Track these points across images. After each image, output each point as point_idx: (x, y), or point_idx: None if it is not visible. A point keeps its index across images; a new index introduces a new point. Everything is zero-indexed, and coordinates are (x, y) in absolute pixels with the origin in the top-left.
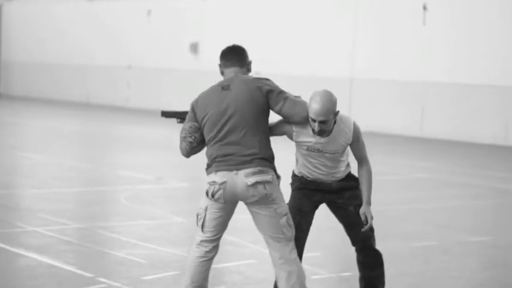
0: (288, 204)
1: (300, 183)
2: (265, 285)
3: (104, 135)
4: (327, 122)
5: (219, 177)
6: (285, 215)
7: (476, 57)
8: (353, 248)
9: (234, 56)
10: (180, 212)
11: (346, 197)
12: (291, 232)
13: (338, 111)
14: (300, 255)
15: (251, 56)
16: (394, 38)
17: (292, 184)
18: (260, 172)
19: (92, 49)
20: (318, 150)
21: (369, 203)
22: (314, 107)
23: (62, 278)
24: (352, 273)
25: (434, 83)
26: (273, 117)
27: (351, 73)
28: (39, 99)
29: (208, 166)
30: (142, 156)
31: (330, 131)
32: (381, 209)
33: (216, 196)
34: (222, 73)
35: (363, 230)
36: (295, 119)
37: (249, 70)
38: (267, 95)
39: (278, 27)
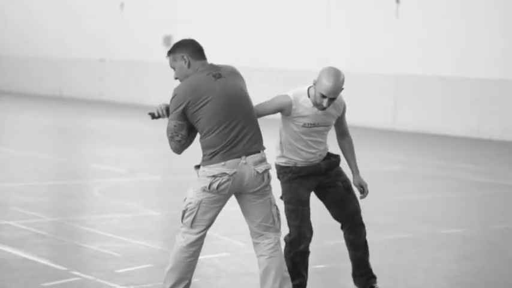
0: (283, 196)
1: (292, 174)
2: (238, 277)
3: (78, 128)
4: (335, 98)
5: (228, 168)
6: (275, 205)
7: (449, 50)
8: (326, 242)
9: (200, 49)
10: (153, 205)
11: (332, 175)
12: (279, 223)
13: (343, 88)
14: (309, 240)
15: (225, 49)
16: (367, 31)
17: (282, 177)
18: (264, 160)
19: (65, 42)
20: (314, 125)
21: (358, 173)
22: (326, 85)
23: (36, 271)
24: (327, 265)
25: (407, 75)
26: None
27: (324, 66)
28: (13, 92)
29: (212, 156)
30: (116, 150)
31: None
32: None
33: (222, 187)
34: (189, 65)
35: (362, 198)
36: None
37: None
38: None
39: (251, 21)
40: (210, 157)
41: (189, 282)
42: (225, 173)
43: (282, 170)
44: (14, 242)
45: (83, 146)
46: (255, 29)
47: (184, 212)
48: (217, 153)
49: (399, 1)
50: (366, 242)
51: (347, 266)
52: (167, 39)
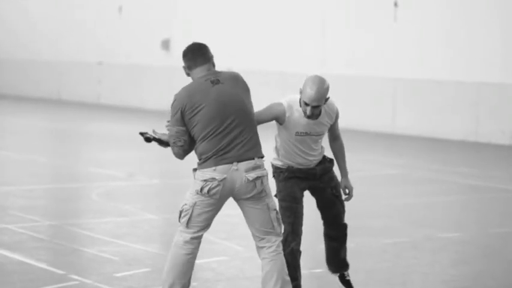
0: (278, 194)
1: (288, 173)
2: (237, 281)
3: (76, 131)
4: (319, 107)
5: (218, 173)
6: (274, 209)
7: (447, 53)
8: (323, 246)
9: (198, 55)
10: (151, 208)
11: (325, 181)
12: (279, 228)
13: (328, 97)
14: (300, 238)
15: (223, 52)
16: (365, 34)
17: (278, 176)
18: (258, 167)
19: (63, 45)
20: (307, 134)
21: (347, 175)
22: (309, 93)
23: (34, 275)
24: (324, 269)
25: (406, 79)
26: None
27: (321, 70)
28: (10, 95)
29: (205, 160)
30: (114, 153)
31: (319, 115)
32: (350, 205)
33: (213, 192)
34: (188, 74)
35: (346, 201)
36: None
37: (213, 64)
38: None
39: (249, 23)
40: (203, 161)
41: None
42: (214, 178)
43: (278, 170)
44: (11, 246)
45: (81, 149)
46: (253, 32)
47: (180, 212)
48: (210, 158)
49: (397, 5)
50: (345, 236)
51: None
52: (165, 43)
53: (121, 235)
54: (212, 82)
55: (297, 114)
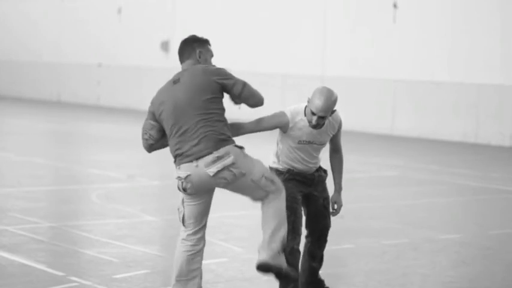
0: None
1: (289, 175)
2: (236, 283)
3: (75, 133)
4: (325, 117)
5: (182, 171)
6: (262, 176)
7: (447, 55)
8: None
9: (183, 50)
10: (151, 210)
11: (319, 190)
12: (274, 186)
13: (335, 110)
14: (300, 238)
15: (223, 54)
16: (365, 35)
17: (278, 177)
18: (219, 159)
19: (63, 46)
20: (309, 142)
21: (340, 190)
22: (317, 103)
23: (33, 277)
24: (324, 271)
25: (405, 80)
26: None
27: (322, 71)
28: (10, 97)
29: (174, 160)
30: (114, 155)
31: (323, 125)
32: (350, 207)
33: (187, 189)
34: None
35: (332, 216)
36: (250, 102)
37: (200, 58)
38: (223, 83)
39: (249, 25)
40: (174, 161)
41: None
42: (180, 177)
43: (277, 172)
44: (11, 247)
45: (80, 151)
46: (254, 33)
47: (178, 210)
48: (175, 157)
49: (397, 6)
50: (323, 255)
51: (346, 271)
52: (165, 44)
53: (121, 237)
54: (174, 82)
55: (302, 123)
